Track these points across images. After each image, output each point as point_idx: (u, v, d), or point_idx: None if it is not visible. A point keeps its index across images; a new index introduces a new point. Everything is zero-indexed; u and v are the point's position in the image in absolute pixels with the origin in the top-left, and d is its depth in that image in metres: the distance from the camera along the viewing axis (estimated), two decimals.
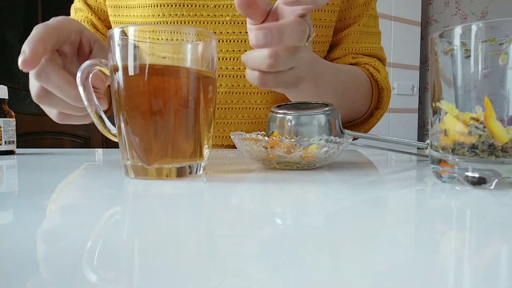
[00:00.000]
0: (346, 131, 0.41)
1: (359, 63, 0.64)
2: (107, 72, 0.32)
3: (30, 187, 0.28)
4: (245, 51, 0.58)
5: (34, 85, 0.38)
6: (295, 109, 0.40)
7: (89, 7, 0.64)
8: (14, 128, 0.55)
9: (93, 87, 0.33)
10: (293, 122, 0.39)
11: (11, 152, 0.55)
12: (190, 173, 0.32)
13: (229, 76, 0.60)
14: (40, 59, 0.31)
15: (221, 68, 0.59)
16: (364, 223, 0.19)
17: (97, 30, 0.65)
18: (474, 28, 0.26)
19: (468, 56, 0.26)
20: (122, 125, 0.31)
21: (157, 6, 0.56)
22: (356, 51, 0.65)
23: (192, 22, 0.57)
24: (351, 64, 0.64)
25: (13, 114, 0.56)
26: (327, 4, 0.60)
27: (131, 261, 0.14)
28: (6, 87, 0.56)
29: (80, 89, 0.32)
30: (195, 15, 0.57)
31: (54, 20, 0.36)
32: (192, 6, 0.56)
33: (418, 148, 0.49)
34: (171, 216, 0.21)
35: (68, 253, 0.15)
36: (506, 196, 0.25)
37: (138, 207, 0.23)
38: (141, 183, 0.29)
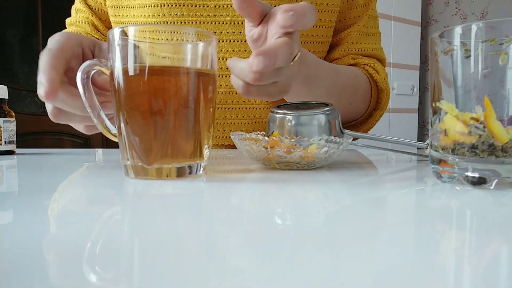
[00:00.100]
0: (346, 131, 0.41)
1: (359, 64, 0.64)
2: (107, 72, 0.32)
3: (30, 187, 0.28)
4: (245, 51, 0.58)
5: (48, 105, 0.39)
6: (295, 109, 0.40)
7: (90, 8, 0.64)
8: (14, 128, 0.55)
9: (103, 90, 0.34)
10: (293, 122, 0.39)
11: (11, 152, 0.55)
12: (190, 173, 0.32)
13: (229, 76, 0.59)
14: (58, 86, 0.32)
15: (221, 68, 0.59)
16: (364, 223, 0.19)
17: (98, 31, 0.65)
18: (474, 28, 0.26)
19: (468, 56, 0.26)
20: (122, 125, 0.31)
21: (157, 6, 0.56)
22: (356, 51, 0.65)
23: (192, 22, 0.57)
24: (351, 64, 0.64)
25: (13, 114, 0.56)
26: (327, 4, 0.60)
27: (131, 261, 0.14)
28: (6, 87, 0.56)
29: (80, 88, 0.32)
30: (195, 15, 0.57)
31: (53, 41, 0.36)
32: (192, 6, 0.56)
33: (418, 148, 0.49)
34: (171, 216, 0.21)
35: (68, 253, 0.15)
36: (506, 196, 0.25)
37: (138, 207, 0.23)
38: (141, 183, 0.29)
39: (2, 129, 0.53)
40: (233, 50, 0.58)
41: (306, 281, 0.12)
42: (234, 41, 0.58)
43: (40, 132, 2.07)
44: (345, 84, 0.56)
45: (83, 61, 0.39)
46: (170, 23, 0.57)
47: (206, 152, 0.33)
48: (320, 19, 0.61)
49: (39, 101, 2.11)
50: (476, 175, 0.27)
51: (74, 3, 0.67)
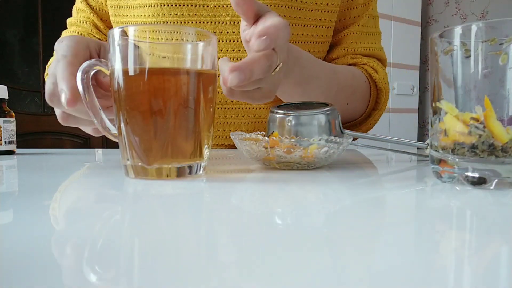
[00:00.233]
0: (346, 131, 0.41)
1: (358, 64, 0.64)
2: (107, 72, 0.32)
3: (30, 187, 0.28)
4: (245, 50, 0.58)
5: (57, 110, 0.40)
6: (295, 109, 0.40)
7: (91, 7, 0.64)
8: (14, 128, 0.55)
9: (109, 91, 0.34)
10: (293, 122, 0.39)
11: (11, 152, 0.55)
12: (190, 173, 0.32)
13: None
14: (78, 93, 0.32)
15: None
16: (364, 223, 0.19)
17: (99, 31, 0.65)
18: (474, 28, 0.26)
19: (468, 56, 0.26)
20: (122, 125, 0.31)
21: (157, 6, 0.56)
22: (355, 51, 0.65)
23: (192, 22, 0.57)
24: (350, 64, 0.64)
25: (13, 114, 0.56)
26: (327, 4, 0.60)
27: (131, 261, 0.14)
28: (6, 87, 0.56)
29: (80, 88, 0.32)
30: (195, 15, 0.57)
31: (65, 46, 0.36)
32: (192, 6, 0.56)
33: (418, 148, 0.49)
34: (171, 216, 0.21)
35: (68, 253, 0.15)
36: (506, 196, 0.25)
37: (138, 207, 0.23)
38: (141, 183, 0.29)
39: (2, 129, 0.53)
40: (233, 50, 0.58)
41: (306, 281, 0.12)
42: (233, 41, 0.58)
43: (40, 132, 2.07)
44: (342, 84, 0.56)
45: None
46: (170, 23, 0.57)
47: (206, 152, 0.33)
48: (320, 19, 0.61)
49: (39, 101, 2.11)
50: (476, 175, 0.27)
51: (74, 3, 0.67)
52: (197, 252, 0.15)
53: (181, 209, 0.22)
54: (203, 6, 0.56)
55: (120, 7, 0.60)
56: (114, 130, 0.33)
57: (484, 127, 0.26)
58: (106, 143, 2.11)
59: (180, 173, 0.31)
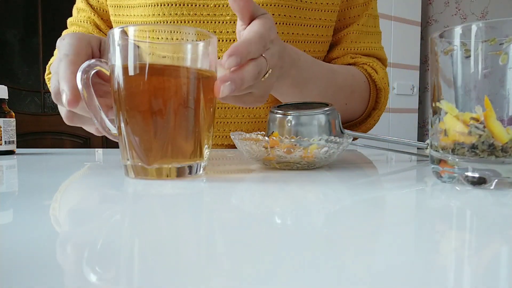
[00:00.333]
0: (346, 131, 0.41)
1: (357, 63, 0.64)
2: (107, 72, 0.32)
3: (30, 187, 0.28)
4: None
5: (62, 110, 0.40)
6: (295, 109, 0.40)
7: (92, 7, 0.64)
8: (14, 128, 0.55)
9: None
10: (293, 122, 0.39)
11: (11, 152, 0.55)
12: (190, 173, 0.32)
13: None
14: (79, 93, 0.32)
15: None
16: (364, 223, 0.19)
17: (100, 30, 0.65)
18: (474, 28, 0.26)
19: (468, 56, 0.26)
20: (122, 125, 0.31)
21: (157, 5, 0.56)
22: (355, 50, 0.65)
23: (192, 22, 0.57)
24: (350, 64, 0.64)
25: (13, 114, 0.56)
26: (327, 3, 0.60)
27: (131, 261, 0.14)
28: (6, 87, 0.56)
29: (80, 88, 0.32)
30: (195, 14, 0.57)
31: (66, 45, 0.36)
32: (192, 5, 0.56)
33: (418, 148, 0.49)
34: (171, 216, 0.21)
35: (68, 253, 0.15)
36: (506, 196, 0.25)
37: (138, 207, 0.23)
38: (141, 183, 0.29)
39: (2, 129, 0.53)
40: None
41: (306, 281, 0.12)
42: (233, 40, 0.58)
43: (40, 132, 2.07)
44: (341, 85, 0.56)
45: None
46: (170, 22, 0.57)
47: (206, 152, 0.33)
48: (320, 19, 0.61)
49: (39, 101, 2.11)
50: (476, 175, 0.27)
51: (74, 3, 0.67)
52: (197, 252, 0.15)
53: (181, 209, 0.22)
54: (203, 5, 0.56)
55: (120, 6, 0.60)
56: (114, 130, 0.33)
57: (484, 127, 0.26)
58: (106, 143, 2.11)
59: (180, 173, 0.31)
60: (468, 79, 0.27)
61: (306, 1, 0.59)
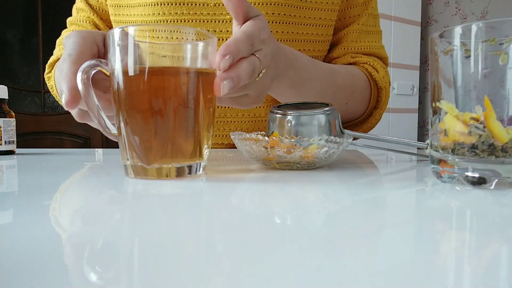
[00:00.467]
0: (346, 131, 0.41)
1: (358, 63, 0.64)
2: (107, 72, 0.32)
3: (30, 187, 0.28)
4: None
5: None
6: (295, 109, 0.40)
7: (91, 7, 0.64)
8: (14, 128, 0.55)
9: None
10: (293, 122, 0.39)
11: (11, 152, 0.55)
12: (190, 173, 0.32)
13: None
14: (79, 93, 0.33)
15: None
16: (364, 223, 0.19)
17: (99, 30, 0.65)
18: (474, 28, 0.26)
19: (468, 56, 0.26)
20: (122, 125, 0.31)
21: (157, 4, 0.56)
22: (355, 50, 0.65)
23: (192, 21, 0.57)
24: (350, 63, 0.64)
25: (13, 114, 0.56)
26: (327, 3, 0.60)
27: (131, 261, 0.14)
28: (6, 87, 0.56)
29: (80, 89, 0.32)
30: (195, 13, 0.57)
31: (71, 44, 0.36)
32: (192, 4, 0.56)
33: (418, 148, 0.49)
34: (171, 216, 0.21)
35: (68, 253, 0.15)
36: (506, 196, 0.25)
37: (138, 207, 0.23)
38: (141, 182, 0.29)
39: (2, 129, 0.53)
40: None
41: (306, 281, 0.12)
42: None
43: (40, 132, 2.07)
44: (341, 85, 0.56)
45: (99, 57, 0.39)
46: (170, 21, 0.57)
47: (205, 152, 0.33)
48: (320, 18, 0.61)
49: (39, 101, 2.11)
50: (476, 175, 0.27)
51: (74, 3, 0.67)
52: (197, 252, 0.15)
53: (181, 209, 0.22)
54: (203, 5, 0.56)
55: (120, 6, 0.60)
56: (114, 130, 0.33)
57: (484, 127, 0.26)
58: (106, 143, 2.11)
59: (179, 173, 0.31)
60: (468, 79, 0.27)
61: (306, 0, 0.59)
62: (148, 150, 0.30)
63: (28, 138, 2.02)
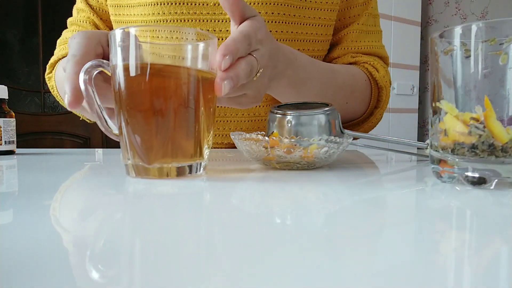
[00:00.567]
0: (346, 131, 0.41)
1: (358, 62, 0.64)
2: (109, 73, 0.32)
3: (30, 187, 0.28)
4: None
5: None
6: (295, 109, 0.40)
7: (91, 7, 0.64)
8: (14, 128, 0.55)
9: None
10: (293, 122, 0.39)
11: (11, 152, 0.55)
12: (190, 172, 0.32)
13: None
14: (81, 94, 0.33)
15: None
16: (364, 223, 0.19)
17: (93, 30, 0.65)
18: (474, 28, 0.26)
19: (468, 56, 0.26)
20: (123, 125, 0.31)
21: (157, 4, 0.56)
22: (356, 50, 0.65)
23: (192, 20, 0.57)
24: (350, 63, 0.64)
25: (13, 114, 0.56)
26: (326, 2, 0.60)
27: (132, 260, 0.14)
28: (6, 87, 0.56)
29: (82, 89, 0.32)
30: (195, 13, 0.57)
31: (75, 44, 0.36)
32: (191, 4, 0.56)
33: (418, 148, 0.49)
34: (172, 216, 0.21)
35: (69, 252, 0.15)
36: (506, 196, 0.25)
37: (139, 207, 0.23)
38: (142, 182, 0.29)
39: (2, 129, 0.53)
40: None
41: (306, 281, 0.12)
42: None
43: (40, 132, 2.07)
44: (341, 84, 0.56)
45: (104, 57, 0.39)
46: (170, 21, 0.57)
47: (206, 151, 0.33)
48: (319, 18, 0.61)
49: (39, 101, 2.11)
50: (476, 175, 0.27)
51: (74, 3, 0.67)
52: (197, 251, 0.15)
53: (182, 209, 0.22)
54: (203, 4, 0.56)
55: (120, 6, 0.60)
56: (116, 130, 0.34)
57: (484, 127, 0.26)
58: (106, 143, 2.11)
59: (180, 172, 0.31)
60: (468, 79, 0.27)
61: (305, 0, 0.59)
62: (149, 149, 0.30)
63: (28, 138, 2.02)
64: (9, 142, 0.54)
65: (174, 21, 0.57)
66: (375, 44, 0.66)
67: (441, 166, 0.29)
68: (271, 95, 0.52)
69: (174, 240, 0.16)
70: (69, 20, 0.67)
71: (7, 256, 0.14)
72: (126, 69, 0.30)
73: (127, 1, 0.59)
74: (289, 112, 0.39)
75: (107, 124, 0.34)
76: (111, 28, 0.66)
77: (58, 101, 0.65)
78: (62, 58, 0.62)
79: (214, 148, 0.63)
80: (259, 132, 0.44)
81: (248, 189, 0.28)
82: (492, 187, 0.26)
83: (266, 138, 0.35)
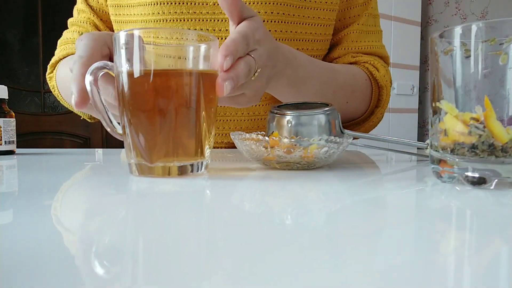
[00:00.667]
0: (346, 131, 0.41)
1: (359, 62, 0.64)
2: (114, 75, 0.33)
3: (30, 187, 0.28)
4: None
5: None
6: (295, 109, 0.40)
7: (91, 8, 0.65)
8: (14, 128, 0.55)
9: None
10: (293, 122, 0.39)
11: (11, 152, 0.55)
12: (192, 171, 0.33)
13: None
14: (87, 95, 0.34)
15: None
16: (364, 223, 0.19)
17: (99, 31, 0.65)
18: (474, 28, 0.26)
19: (468, 56, 0.26)
20: (126, 124, 0.32)
21: (157, 4, 0.56)
22: (356, 50, 0.65)
23: (192, 20, 0.57)
24: (351, 63, 0.64)
25: (13, 114, 0.56)
26: (326, 2, 0.61)
27: (134, 258, 0.14)
28: (6, 87, 0.56)
29: (88, 90, 0.33)
30: (195, 12, 0.57)
31: (82, 46, 0.36)
32: (191, 4, 0.56)
33: (418, 148, 0.49)
34: (174, 214, 0.21)
35: (70, 252, 0.15)
36: (506, 196, 0.25)
37: (142, 205, 0.23)
38: (145, 180, 0.30)
39: (2, 129, 0.53)
40: None
41: (306, 280, 0.12)
42: None
43: (40, 132, 2.07)
44: (341, 84, 0.56)
45: (110, 58, 0.40)
46: (170, 20, 0.57)
47: (207, 151, 0.34)
48: (319, 17, 0.61)
49: (39, 101, 2.11)
50: (476, 175, 0.27)
51: (74, 3, 0.67)
52: (198, 249, 0.15)
53: (184, 207, 0.22)
54: (203, 4, 0.56)
55: (120, 6, 0.60)
56: (120, 129, 0.35)
57: (484, 127, 0.26)
58: (106, 143, 2.11)
59: (182, 171, 0.32)
60: (468, 79, 0.27)
61: (305, 0, 0.59)
62: (151, 149, 0.31)
63: (28, 138, 2.02)
64: (9, 142, 0.54)
65: (174, 20, 0.57)
66: (376, 44, 0.66)
67: (441, 166, 0.29)
68: (270, 94, 0.52)
69: (176, 238, 0.16)
70: (70, 20, 0.67)
71: (7, 256, 0.14)
72: (129, 71, 0.30)
73: (127, 1, 0.59)
74: (289, 112, 0.39)
75: (111, 123, 0.34)
76: (111, 29, 0.66)
77: (58, 101, 0.65)
78: (63, 58, 0.62)
79: (214, 147, 0.63)
80: (259, 132, 0.44)
81: (249, 188, 0.28)
82: (492, 187, 0.26)
83: (266, 138, 0.35)
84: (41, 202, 0.23)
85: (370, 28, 0.66)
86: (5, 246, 0.15)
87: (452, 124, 0.27)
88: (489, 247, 0.15)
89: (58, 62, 0.63)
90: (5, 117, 0.54)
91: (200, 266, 0.13)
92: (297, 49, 0.57)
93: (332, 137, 0.36)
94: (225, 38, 0.58)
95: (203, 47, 0.32)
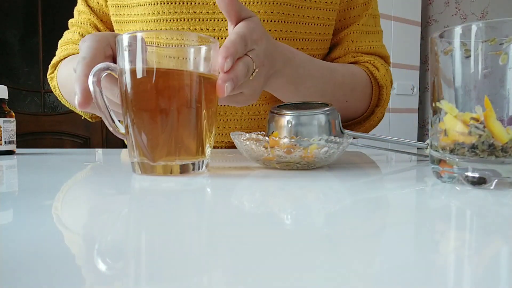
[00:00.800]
0: (346, 131, 0.41)
1: (359, 62, 0.64)
2: (116, 76, 0.33)
3: (30, 187, 0.28)
4: None
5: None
6: (295, 109, 0.40)
7: (91, 9, 0.65)
8: (14, 128, 0.55)
9: None
10: (293, 122, 0.39)
11: (11, 152, 0.55)
12: (193, 169, 0.33)
13: None
14: (90, 95, 0.34)
15: None
16: (364, 223, 0.19)
17: (99, 32, 0.65)
18: (474, 28, 0.26)
19: (468, 56, 0.26)
20: (129, 124, 0.32)
21: (157, 4, 0.56)
22: (356, 50, 0.65)
23: (192, 20, 0.57)
24: (351, 63, 0.64)
25: (13, 114, 0.56)
26: (326, 2, 0.61)
27: (136, 256, 0.14)
28: (6, 87, 0.56)
29: (92, 91, 0.33)
30: (195, 12, 0.57)
31: (86, 47, 0.37)
32: (191, 3, 0.56)
33: (418, 148, 0.49)
34: (175, 212, 0.21)
35: (71, 251, 0.15)
36: (506, 196, 0.25)
37: (144, 203, 0.23)
38: (147, 179, 0.30)
39: (2, 129, 0.53)
40: None
41: (306, 280, 0.12)
42: None
43: (40, 132, 2.07)
44: (340, 83, 0.56)
45: (113, 58, 0.40)
46: (170, 20, 0.57)
47: (208, 150, 0.35)
48: (318, 17, 0.61)
49: (39, 101, 2.11)
50: (476, 175, 0.27)
51: (73, 3, 0.67)
52: (199, 247, 0.15)
53: (185, 205, 0.22)
54: (203, 3, 0.57)
55: (120, 6, 0.60)
56: (123, 129, 0.35)
57: (484, 127, 0.26)
58: (106, 143, 2.11)
59: (183, 169, 0.33)
60: (468, 79, 0.27)
61: (305, 0, 0.59)
62: (154, 148, 0.32)
63: (28, 138, 2.02)
64: (9, 142, 0.54)
65: (174, 20, 0.57)
66: (376, 44, 0.66)
67: (441, 166, 0.29)
68: (270, 92, 0.52)
69: (177, 235, 0.16)
70: (70, 21, 0.67)
71: (7, 256, 0.14)
72: (132, 72, 0.31)
73: (127, 1, 0.59)
74: (289, 112, 0.39)
75: (114, 123, 0.35)
76: (111, 30, 0.66)
77: (58, 101, 0.66)
78: (65, 58, 0.62)
79: (215, 147, 0.63)
80: (259, 132, 0.44)
81: (249, 187, 0.28)
82: (492, 187, 0.26)
83: (266, 138, 0.35)
84: (41, 202, 0.23)
85: (370, 28, 0.66)
86: (5, 246, 0.15)
87: (452, 124, 0.27)
88: (489, 247, 0.15)
89: (59, 63, 0.63)
90: (5, 117, 0.54)
91: (200, 263, 0.13)
92: (297, 48, 0.57)
93: (332, 137, 0.36)
94: (225, 38, 0.58)
95: (203, 48, 0.33)
